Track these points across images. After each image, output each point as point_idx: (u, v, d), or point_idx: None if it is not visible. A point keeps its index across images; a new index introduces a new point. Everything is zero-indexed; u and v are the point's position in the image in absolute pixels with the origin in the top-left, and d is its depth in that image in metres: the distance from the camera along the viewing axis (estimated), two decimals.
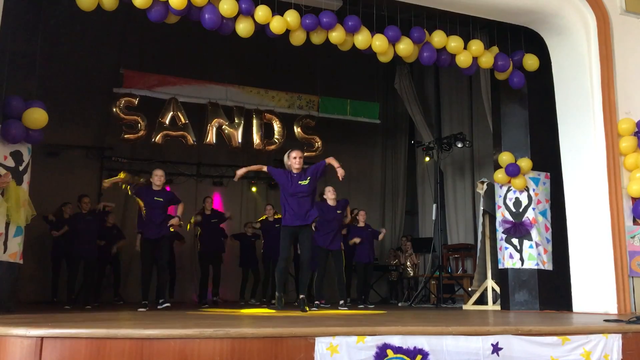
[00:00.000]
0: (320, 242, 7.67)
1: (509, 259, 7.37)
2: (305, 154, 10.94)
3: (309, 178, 6.20)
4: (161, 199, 6.89)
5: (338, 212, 7.90)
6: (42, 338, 3.08)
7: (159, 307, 6.61)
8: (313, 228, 6.74)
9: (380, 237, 9.34)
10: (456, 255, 10.87)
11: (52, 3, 6.81)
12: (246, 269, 10.00)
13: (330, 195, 7.94)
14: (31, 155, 5.81)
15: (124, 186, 7.55)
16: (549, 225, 7.38)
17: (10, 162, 5.56)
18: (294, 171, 6.26)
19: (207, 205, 9.19)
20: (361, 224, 9.04)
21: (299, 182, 6.19)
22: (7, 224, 5.44)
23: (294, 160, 6.24)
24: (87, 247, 8.14)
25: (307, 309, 6.15)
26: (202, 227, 9.17)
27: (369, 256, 9.11)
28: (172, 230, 7.36)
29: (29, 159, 5.76)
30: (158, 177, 6.93)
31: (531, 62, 7.48)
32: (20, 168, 5.65)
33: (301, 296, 6.34)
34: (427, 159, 11.40)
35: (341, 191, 8.16)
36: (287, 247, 6.29)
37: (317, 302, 7.83)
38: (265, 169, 6.54)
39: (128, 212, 10.22)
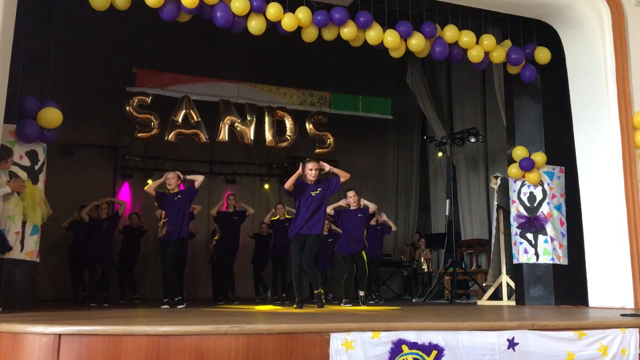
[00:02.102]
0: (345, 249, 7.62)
1: (523, 254, 7.32)
2: (318, 150, 11.02)
3: (319, 189, 6.22)
4: (180, 196, 6.92)
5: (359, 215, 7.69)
6: (59, 335, 3.11)
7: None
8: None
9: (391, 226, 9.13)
10: (470, 251, 10.82)
11: (65, 3, 6.86)
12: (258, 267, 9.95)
13: (351, 201, 7.69)
14: (46, 154, 5.88)
15: None
16: (564, 220, 7.33)
17: (26, 162, 5.64)
18: (308, 182, 6.25)
19: (230, 202, 9.12)
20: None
21: (311, 192, 6.21)
22: (24, 223, 5.52)
23: (309, 172, 6.20)
24: (104, 249, 8.30)
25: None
26: (223, 224, 9.02)
27: (375, 251, 8.87)
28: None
29: (44, 158, 5.83)
30: (169, 181, 6.95)
31: (543, 54, 7.42)
32: (36, 167, 5.72)
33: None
34: (440, 154, 11.34)
35: (353, 188, 8.07)
36: (298, 255, 6.21)
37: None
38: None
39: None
